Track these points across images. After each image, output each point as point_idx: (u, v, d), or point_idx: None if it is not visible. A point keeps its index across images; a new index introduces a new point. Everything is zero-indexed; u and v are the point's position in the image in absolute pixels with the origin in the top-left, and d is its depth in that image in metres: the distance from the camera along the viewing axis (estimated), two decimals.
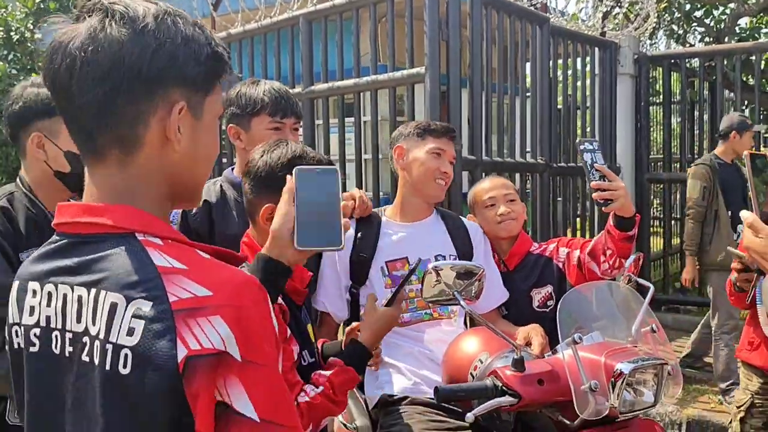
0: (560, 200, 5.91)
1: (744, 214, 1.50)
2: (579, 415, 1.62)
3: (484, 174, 4.57)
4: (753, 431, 2.84)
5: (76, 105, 1.03)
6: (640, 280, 2.06)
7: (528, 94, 5.35)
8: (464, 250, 2.45)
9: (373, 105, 4.93)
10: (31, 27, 16.32)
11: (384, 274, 2.36)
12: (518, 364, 1.63)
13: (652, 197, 7.42)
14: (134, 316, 0.95)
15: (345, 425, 2.41)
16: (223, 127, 2.44)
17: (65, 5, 16.67)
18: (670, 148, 7.13)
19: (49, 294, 1.06)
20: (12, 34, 16.34)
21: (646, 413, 1.74)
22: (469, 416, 1.63)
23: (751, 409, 2.88)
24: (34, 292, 1.09)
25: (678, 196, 7.51)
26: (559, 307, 1.83)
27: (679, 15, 7.54)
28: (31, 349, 1.08)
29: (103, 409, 0.98)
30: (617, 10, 6.64)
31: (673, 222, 7.40)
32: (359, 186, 4.69)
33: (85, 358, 1.01)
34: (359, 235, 2.41)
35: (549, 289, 2.53)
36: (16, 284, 1.13)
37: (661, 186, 7.12)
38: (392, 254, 2.31)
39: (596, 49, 6.31)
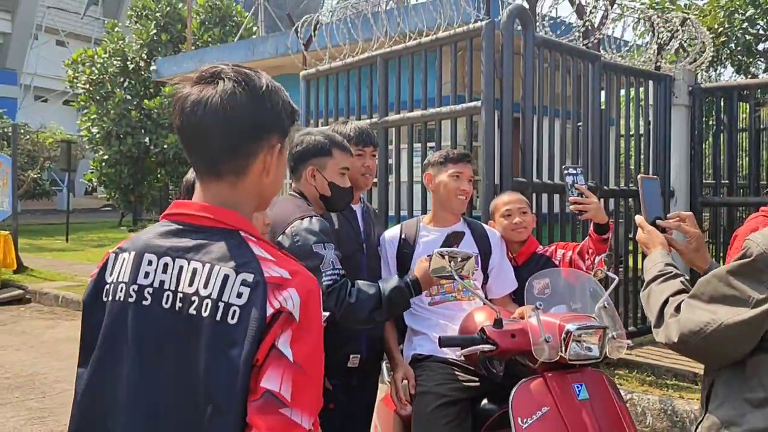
0: (612, 221, 6.42)
1: (637, 217, 2.13)
2: (537, 359, 2.30)
3: (534, 195, 5.22)
4: None
5: (210, 143, 1.43)
6: (610, 273, 2.72)
7: (579, 124, 5.92)
8: (485, 249, 3.14)
9: (437, 132, 5.64)
10: (145, 57, 17.88)
11: None
12: (498, 323, 2.31)
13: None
14: (242, 284, 1.34)
15: (390, 383, 3.14)
16: None
17: (175, 38, 18.18)
18: (720, 173, 7.47)
19: (165, 264, 1.42)
20: (128, 63, 17.97)
21: (596, 366, 2.39)
22: (458, 353, 2.33)
23: None
24: (150, 261, 1.44)
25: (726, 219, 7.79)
26: (527, 283, 2.52)
27: (739, 47, 7.91)
28: (143, 302, 1.42)
29: (208, 348, 1.33)
30: (674, 43, 7.05)
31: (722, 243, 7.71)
32: (424, 204, 5.38)
33: (192, 311, 1.36)
34: (403, 236, 3.15)
35: (546, 280, 3.18)
36: (132, 254, 1.46)
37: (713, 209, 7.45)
38: (427, 251, 2.99)
39: (651, 81, 6.81)
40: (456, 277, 2.27)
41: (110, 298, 1.46)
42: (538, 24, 5.72)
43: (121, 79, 18.15)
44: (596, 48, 6.13)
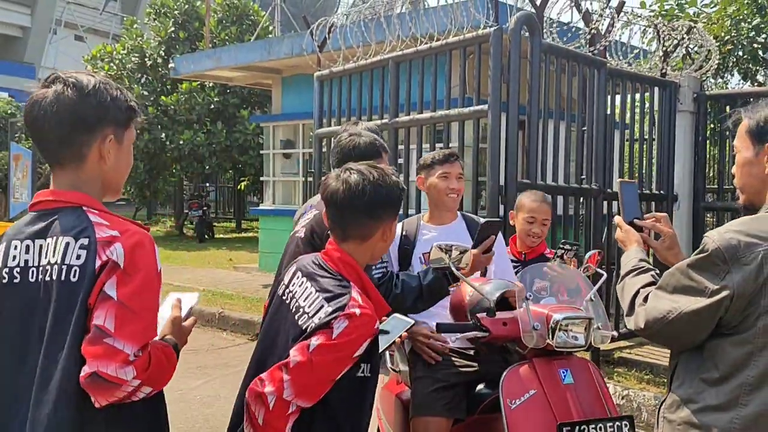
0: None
1: (616, 218, 2.32)
2: (527, 346, 2.49)
3: None
4: None
5: (47, 137, 1.72)
6: (598, 270, 2.91)
7: (584, 128, 6.08)
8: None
9: (446, 134, 5.83)
10: (163, 54, 18.12)
11: (421, 261, 3.26)
12: (490, 312, 2.50)
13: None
14: (80, 247, 1.65)
15: (394, 370, 3.33)
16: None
17: (193, 36, 18.41)
18: (723, 179, 7.58)
19: (27, 246, 1.71)
20: (146, 59, 18.21)
21: (583, 354, 2.58)
22: (454, 339, 2.53)
23: None
24: (16, 246, 1.72)
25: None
26: (521, 275, 2.72)
27: (745, 55, 8.04)
28: (14, 281, 1.71)
29: (59, 302, 1.63)
30: (680, 50, 7.19)
31: None
32: None
33: (47, 278, 1.66)
34: (404, 233, 3.34)
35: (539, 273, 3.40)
36: (3, 244, 1.76)
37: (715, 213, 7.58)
38: (426, 248, 3.17)
39: (656, 88, 6.96)
40: (453, 269, 2.46)
41: None
42: (545, 30, 5.88)
43: (139, 76, 18.39)
44: (603, 54, 6.29)
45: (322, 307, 1.95)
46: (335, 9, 46.50)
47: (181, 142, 16.86)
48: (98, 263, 1.62)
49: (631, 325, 2.02)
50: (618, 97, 6.67)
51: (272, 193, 12.66)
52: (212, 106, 17.09)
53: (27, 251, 1.70)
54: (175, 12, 18.63)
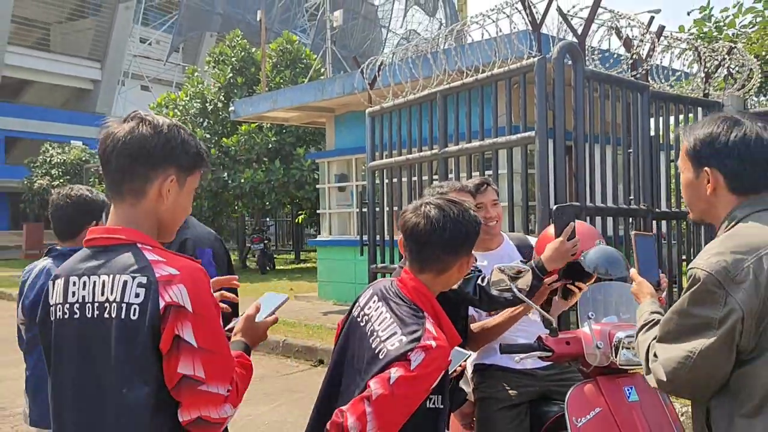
0: (665, 242, 6.42)
1: (631, 270, 2.21)
2: (591, 364, 2.41)
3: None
4: None
5: (114, 168, 1.69)
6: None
7: (630, 150, 5.96)
8: (530, 259, 3.23)
9: (494, 161, 5.79)
10: (223, 99, 18.53)
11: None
12: (553, 332, 2.43)
13: None
14: (138, 286, 1.59)
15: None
16: None
17: (250, 81, 18.80)
18: None
19: (84, 282, 1.66)
20: (207, 104, 18.65)
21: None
22: (516, 358, 2.47)
23: None
24: (74, 283, 1.68)
25: None
26: (582, 295, 2.63)
27: None
28: (74, 316, 1.66)
29: (118, 341, 1.58)
30: (722, 71, 7.03)
31: None
32: None
33: (106, 315, 1.61)
34: None
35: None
36: (62, 279, 1.71)
37: None
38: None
39: (699, 108, 6.80)
40: (514, 290, 2.40)
41: (54, 317, 1.71)
42: (587, 57, 5.82)
43: (201, 120, 18.84)
44: (645, 78, 6.18)
45: (395, 333, 1.93)
46: (382, 48, 47.10)
47: (242, 181, 17.16)
48: (162, 304, 1.57)
49: (654, 384, 1.84)
50: (661, 119, 6.54)
51: (328, 224, 12.74)
52: (270, 146, 17.38)
53: (84, 287, 1.67)
54: (233, 59, 19.08)
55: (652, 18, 6.48)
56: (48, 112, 36.72)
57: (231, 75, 18.84)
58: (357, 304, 2.16)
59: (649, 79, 6.28)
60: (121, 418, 1.59)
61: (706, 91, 6.91)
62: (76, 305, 1.66)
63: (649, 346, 1.87)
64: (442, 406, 2.02)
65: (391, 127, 6.99)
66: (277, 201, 18.45)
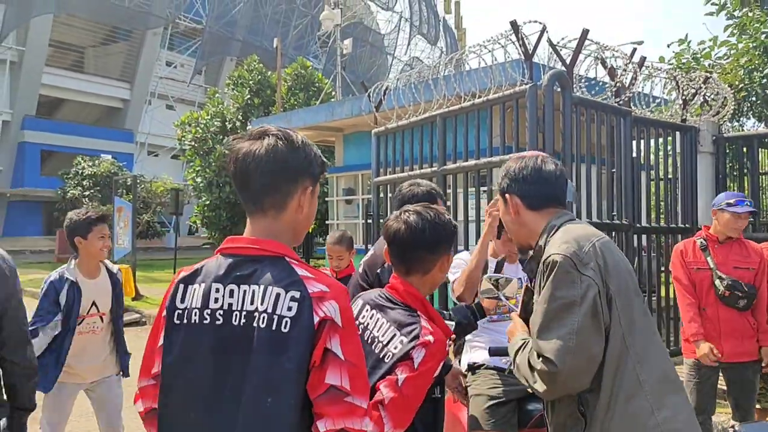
0: (645, 255, 6.43)
1: (513, 314, 2.26)
2: None
3: None
4: None
5: (257, 184, 1.61)
6: None
7: (614, 170, 6.00)
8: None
9: (489, 179, 5.82)
10: (241, 118, 18.61)
11: None
12: None
13: None
14: (291, 299, 1.50)
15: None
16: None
17: (266, 102, 18.89)
18: None
19: (231, 290, 1.56)
20: (226, 123, 18.74)
21: None
22: (504, 360, 2.49)
23: None
24: (217, 289, 1.58)
25: None
26: None
27: (758, 101, 7.83)
28: (216, 323, 1.56)
29: (267, 351, 1.49)
30: (698, 98, 7.06)
31: None
32: (476, 240, 5.53)
33: (254, 324, 1.52)
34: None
35: None
36: (201, 285, 1.60)
37: None
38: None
39: (678, 132, 6.83)
40: (501, 297, 2.43)
41: (185, 321, 1.60)
42: (575, 85, 5.86)
43: (221, 137, 18.91)
44: (627, 104, 6.22)
45: (394, 336, 1.96)
46: (387, 73, 47.29)
47: None
48: (317, 319, 1.49)
49: (542, 388, 1.81)
50: (642, 142, 6.57)
51: None
52: None
53: (231, 295, 1.56)
54: (251, 82, 19.18)
55: (635, 49, 6.51)
56: (81, 128, 36.91)
57: (249, 96, 18.94)
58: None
59: (632, 105, 6.31)
60: (261, 426, 1.49)
61: (684, 117, 6.93)
62: (219, 311, 1.57)
63: (528, 359, 1.87)
64: (440, 396, 2.08)
65: (395, 146, 7.03)
66: None
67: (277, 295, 1.51)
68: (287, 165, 1.61)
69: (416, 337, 1.92)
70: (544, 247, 1.94)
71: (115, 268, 4.04)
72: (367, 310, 2.10)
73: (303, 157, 1.64)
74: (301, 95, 18.90)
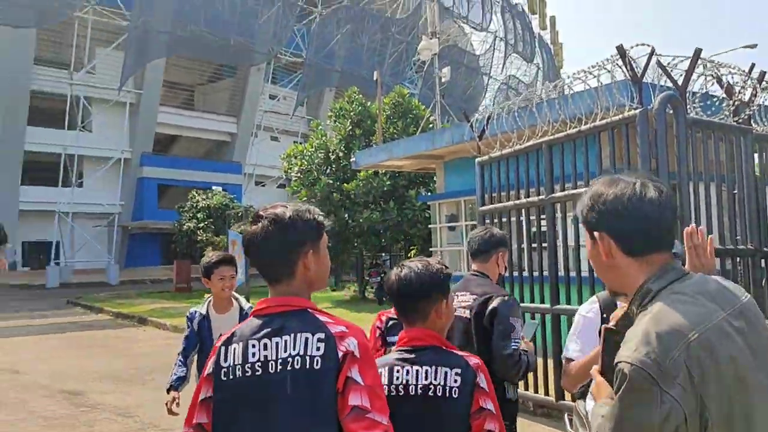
0: None
1: (592, 369, 1.70)
2: None
3: None
4: None
5: (264, 262, 1.89)
6: None
7: (735, 191, 5.67)
8: None
9: None
10: (343, 149, 19.13)
11: None
12: None
13: None
14: (318, 341, 1.77)
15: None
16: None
17: (367, 132, 19.31)
18: None
19: (265, 344, 1.81)
20: (329, 154, 19.30)
21: None
22: None
23: None
24: (254, 345, 1.82)
25: None
26: None
27: None
28: (256, 374, 1.79)
29: (304, 388, 1.74)
30: None
31: None
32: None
33: (289, 368, 1.76)
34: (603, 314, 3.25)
35: None
36: (240, 344, 1.84)
37: None
38: None
39: None
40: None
41: (230, 376, 1.83)
42: (688, 105, 5.63)
43: (325, 168, 19.46)
44: (747, 121, 5.90)
45: (447, 375, 2.17)
46: (483, 93, 47.08)
47: (361, 221, 17.58)
48: (340, 354, 1.75)
49: None
50: (766, 160, 6.19)
51: None
52: (385, 189, 17.72)
53: (265, 348, 1.80)
54: (351, 113, 19.67)
55: (753, 65, 6.17)
56: (193, 162, 39.08)
57: (350, 127, 19.42)
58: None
59: (752, 122, 5.98)
60: None
61: None
62: (258, 364, 1.80)
63: None
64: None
65: (499, 174, 6.99)
66: (392, 238, 18.71)
67: (306, 339, 1.78)
68: (282, 242, 1.86)
69: (467, 365, 2.18)
70: (635, 315, 1.52)
71: (246, 304, 4.35)
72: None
73: (294, 230, 1.86)
74: (400, 123, 19.17)
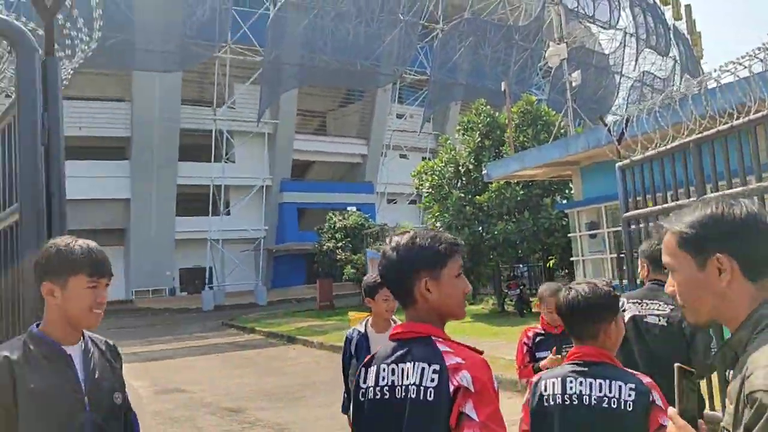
0: None
1: (670, 409, 1.60)
2: None
3: None
4: None
5: (389, 286, 2.00)
6: None
7: None
8: None
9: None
10: (473, 161, 19.06)
11: None
12: None
13: None
14: (433, 372, 1.79)
15: None
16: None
17: (496, 142, 19.14)
18: None
19: (392, 369, 1.88)
20: (459, 168, 19.30)
21: None
22: None
23: None
24: (384, 369, 1.90)
25: None
26: None
27: None
28: (384, 397, 1.88)
29: (417, 415, 1.78)
30: None
31: None
32: None
33: (409, 396, 1.81)
34: None
35: None
36: (374, 367, 1.94)
37: None
38: None
39: None
40: None
41: (366, 398, 1.93)
42: None
43: (456, 182, 19.48)
44: None
45: (621, 389, 2.21)
46: (616, 92, 45.17)
47: (496, 233, 17.36)
48: (452, 387, 1.75)
49: None
50: None
51: (582, 270, 12.39)
52: (519, 199, 17.42)
53: (392, 373, 1.88)
54: (480, 125, 19.57)
55: None
56: (328, 185, 40.60)
57: (479, 139, 19.33)
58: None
59: None
60: None
61: None
62: (386, 387, 1.89)
63: None
64: None
65: (643, 177, 6.65)
66: (529, 249, 18.32)
67: (423, 369, 1.81)
68: (398, 270, 1.92)
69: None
70: (746, 346, 1.41)
71: None
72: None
73: (408, 260, 1.90)
74: (530, 131, 18.83)
